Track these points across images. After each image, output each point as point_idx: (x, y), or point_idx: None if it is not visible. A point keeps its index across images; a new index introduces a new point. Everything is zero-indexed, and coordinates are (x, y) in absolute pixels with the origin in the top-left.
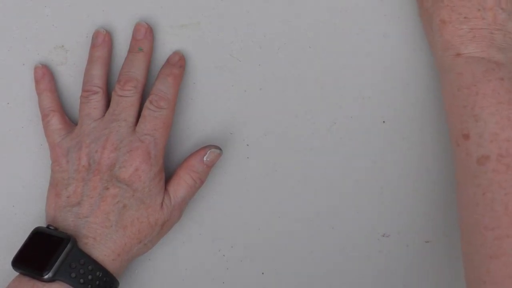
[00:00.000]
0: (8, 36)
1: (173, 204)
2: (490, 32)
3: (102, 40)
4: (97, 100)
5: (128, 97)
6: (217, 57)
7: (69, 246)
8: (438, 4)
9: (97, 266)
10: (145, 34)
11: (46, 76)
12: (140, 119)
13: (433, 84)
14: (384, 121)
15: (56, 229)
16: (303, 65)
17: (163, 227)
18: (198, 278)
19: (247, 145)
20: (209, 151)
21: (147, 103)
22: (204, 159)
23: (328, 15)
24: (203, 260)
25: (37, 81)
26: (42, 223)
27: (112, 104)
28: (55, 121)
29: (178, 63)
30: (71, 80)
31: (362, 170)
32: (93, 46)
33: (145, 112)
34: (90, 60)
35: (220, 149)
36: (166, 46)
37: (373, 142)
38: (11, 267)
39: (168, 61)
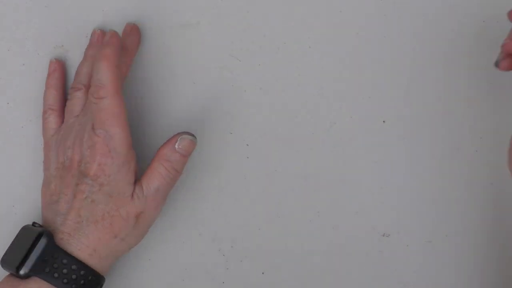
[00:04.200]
0: (8, 36)
1: (146, 195)
2: None
3: (96, 40)
4: (79, 97)
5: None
6: (217, 57)
7: (43, 241)
8: None
9: (73, 260)
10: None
11: (56, 72)
12: (87, 115)
13: (433, 84)
14: (384, 121)
15: (40, 226)
16: (303, 65)
17: (139, 220)
18: (198, 278)
19: (247, 145)
20: (179, 138)
21: (89, 96)
22: (176, 146)
23: (328, 15)
24: (203, 260)
25: (47, 75)
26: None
27: (87, 104)
28: (52, 120)
29: (110, 41)
30: (71, 80)
31: (362, 170)
32: (88, 45)
33: (87, 105)
34: (83, 58)
35: (192, 135)
36: (166, 46)
37: (373, 142)
38: None
39: (97, 41)
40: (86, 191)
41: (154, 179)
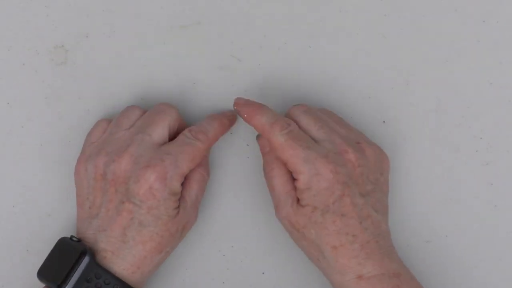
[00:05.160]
0: (8, 36)
1: (189, 206)
2: (376, 241)
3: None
4: (135, 114)
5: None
6: (217, 57)
7: (86, 260)
8: (323, 232)
9: (115, 280)
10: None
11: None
12: (170, 142)
13: (433, 84)
14: (384, 121)
15: (78, 240)
16: (303, 65)
17: (184, 230)
18: (198, 278)
19: (247, 145)
20: None
21: (185, 131)
22: None
23: (328, 15)
24: (203, 260)
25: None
26: (42, 223)
27: (144, 116)
28: (102, 126)
29: (230, 116)
30: (71, 80)
31: None
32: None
33: (180, 136)
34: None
35: None
36: (166, 46)
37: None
38: (10, 267)
39: (221, 111)
40: (134, 212)
41: (193, 188)
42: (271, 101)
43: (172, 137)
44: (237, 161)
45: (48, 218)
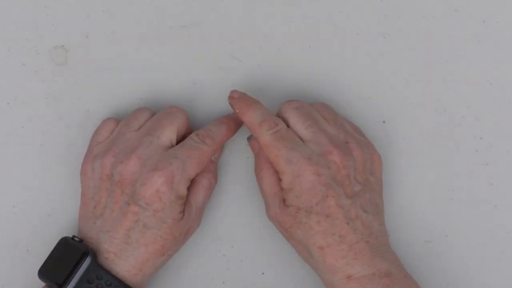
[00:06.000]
0: (8, 36)
1: (195, 211)
2: (366, 241)
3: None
4: (144, 115)
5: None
6: (217, 57)
7: (87, 261)
8: (310, 232)
9: (117, 282)
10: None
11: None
12: (177, 145)
13: (433, 84)
14: (384, 121)
15: (80, 240)
16: (303, 65)
17: (187, 235)
18: (198, 278)
19: (247, 145)
20: None
21: (192, 135)
22: (212, 158)
23: (328, 15)
24: (203, 260)
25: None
26: (42, 224)
27: (153, 118)
28: (110, 125)
29: (237, 119)
30: (71, 80)
31: None
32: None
33: (187, 140)
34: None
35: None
36: (166, 46)
37: (373, 142)
38: (10, 267)
39: (228, 115)
40: (139, 214)
41: (200, 193)
42: (271, 101)
43: (180, 140)
44: (237, 161)
45: (48, 218)
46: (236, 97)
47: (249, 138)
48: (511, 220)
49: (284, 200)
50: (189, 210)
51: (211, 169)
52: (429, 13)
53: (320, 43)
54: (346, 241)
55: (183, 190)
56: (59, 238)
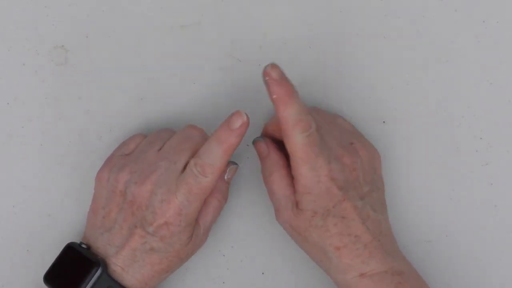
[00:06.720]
0: (8, 36)
1: (203, 232)
2: (378, 240)
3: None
4: (166, 136)
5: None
6: (217, 57)
7: (99, 272)
8: (326, 234)
9: None
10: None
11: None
12: (183, 173)
13: (433, 84)
14: (384, 121)
15: (88, 247)
16: (303, 65)
17: (192, 254)
18: (198, 278)
19: (247, 145)
20: (228, 169)
21: (191, 165)
22: (225, 177)
23: (328, 15)
24: (203, 260)
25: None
26: (41, 224)
27: (172, 140)
28: (135, 142)
29: (238, 131)
30: (71, 80)
31: None
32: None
33: (187, 169)
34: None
35: (236, 163)
36: (166, 46)
37: (373, 142)
38: (10, 267)
39: (228, 122)
40: (146, 238)
41: (209, 214)
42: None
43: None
44: (237, 161)
45: (48, 218)
46: (275, 77)
47: (255, 141)
48: (511, 220)
49: (297, 203)
50: (197, 232)
51: (222, 189)
52: (429, 13)
53: (320, 43)
54: (361, 240)
55: (192, 218)
56: (59, 238)
